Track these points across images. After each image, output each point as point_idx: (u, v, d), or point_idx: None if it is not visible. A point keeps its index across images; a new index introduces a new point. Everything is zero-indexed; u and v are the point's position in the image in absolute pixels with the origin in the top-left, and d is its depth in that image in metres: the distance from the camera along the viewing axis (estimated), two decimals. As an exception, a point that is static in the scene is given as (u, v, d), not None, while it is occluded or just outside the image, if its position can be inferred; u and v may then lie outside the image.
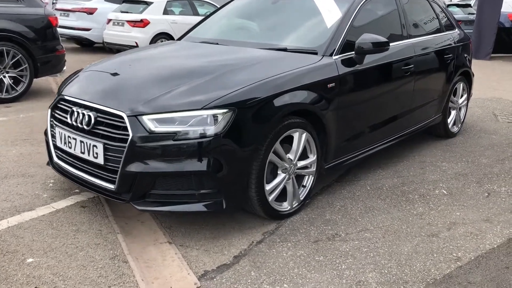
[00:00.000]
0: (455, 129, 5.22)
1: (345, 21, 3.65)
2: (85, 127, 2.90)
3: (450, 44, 4.90)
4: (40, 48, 6.33)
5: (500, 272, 2.65)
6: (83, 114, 2.93)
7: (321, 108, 3.24)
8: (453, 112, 5.16)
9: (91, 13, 11.73)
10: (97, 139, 2.84)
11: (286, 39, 3.74)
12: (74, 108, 3.02)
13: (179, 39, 4.41)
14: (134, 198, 2.79)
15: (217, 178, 2.75)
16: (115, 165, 2.77)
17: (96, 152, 2.84)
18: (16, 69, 6.15)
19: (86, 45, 12.59)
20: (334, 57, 3.43)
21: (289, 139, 3.10)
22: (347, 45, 3.54)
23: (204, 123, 2.72)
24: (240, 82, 2.95)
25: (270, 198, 3.03)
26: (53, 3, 13.45)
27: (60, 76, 6.73)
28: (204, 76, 3.06)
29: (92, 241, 2.83)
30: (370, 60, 3.65)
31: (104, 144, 2.80)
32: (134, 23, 10.77)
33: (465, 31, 5.56)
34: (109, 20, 11.18)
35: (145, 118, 2.73)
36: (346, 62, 3.48)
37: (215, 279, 2.50)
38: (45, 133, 3.41)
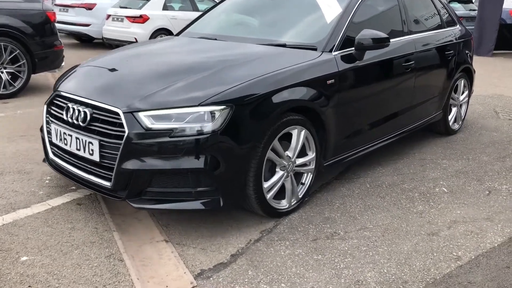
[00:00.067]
0: (455, 126, 5.18)
1: (345, 16, 3.60)
2: (80, 123, 2.86)
3: (451, 41, 4.85)
4: (38, 43, 6.29)
5: (501, 271, 2.61)
6: (79, 111, 2.89)
7: (320, 104, 3.20)
8: (454, 109, 5.12)
9: (90, 9, 11.67)
10: (92, 136, 2.80)
11: (285, 35, 3.69)
12: (70, 104, 2.98)
13: (177, 34, 4.36)
14: (130, 196, 2.75)
15: (214, 175, 2.72)
16: (111, 162, 2.74)
17: (92, 149, 2.80)
18: (14, 65, 6.11)
19: (86, 41, 12.54)
20: (333, 53, 3.39)
21: (288, 136, 3.07)
22: (347, 41, 3.49)
23: (201, 119, 2.68)
24: (238, 78, 2.91)
25: (268, 196, 2.99)
26: (52, -2, 13.41)
27: (59, 72, 6.68)
28: (202, 72, 3.02)
29: (88, 239, 2.79)
30: (370, 56, 3.61)
31: (100, 141, 2.76)
32: (134, 19, 10.72)
33: (466, 27, 5.51)
34: (108, 16, 11.13)
35: (141, 115, 2.69)
36: (346, 58, 3.44)
37: (211, 278, 2.47)
38: (41, 129, 3.37)
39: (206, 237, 2.86)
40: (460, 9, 14.73)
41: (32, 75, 6.39)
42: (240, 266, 2.58)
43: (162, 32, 10.81)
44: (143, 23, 10.69)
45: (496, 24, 11.74)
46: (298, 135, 3.09)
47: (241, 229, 2.97)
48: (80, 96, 2.98)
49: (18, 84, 6.19)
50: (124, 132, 2.67)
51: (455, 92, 5.06)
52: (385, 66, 3.87)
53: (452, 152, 4.59)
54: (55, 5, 12.07)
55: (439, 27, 4.85)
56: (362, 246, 2.82)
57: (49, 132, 3.20)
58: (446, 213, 3.29)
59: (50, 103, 3.23)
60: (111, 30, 11.03)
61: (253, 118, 2.82)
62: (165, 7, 11.14)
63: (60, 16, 11.41)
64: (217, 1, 4.70)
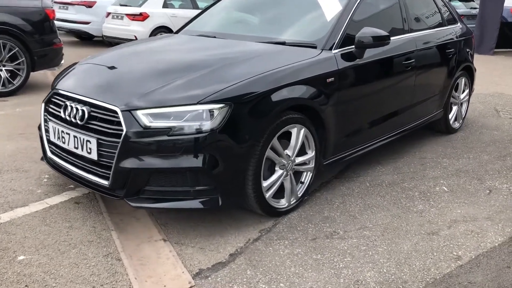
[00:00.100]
0: (456, 124, 5.16)
1: (345, 14, 3.58)
2: (78, 121, 2.84)
3: (452, 39, 4.83)
4: (37, 41, 6.27)
5: (502, 271, 2.59)
6: (77, 109, 2.87)
7: (320, 103, 3.17)
8: (454, 108, 5.09)
9: (90, 6, 11.64)
10: (90, 134, 2.78)
11: (285, 33, 3.67)
12: (68, 102, 2.96)
13: (177, 32, 4.34)
14: (128, 195, 2.73)
15: (213, 174, 2.70)
16: (109, 160, 2.72)
17: (90, 148, 2.78)
18: (13, 63, 6.09)
19: (86, 39, 12.51)
20: (333, 51, 3.37)
21: (287, 135, 3.04)
22: (347, 39, 3.47)
23: (200, 118, 2.66)
24: (237, 76, 2.89)
25: (267, 195, 2.97)
26: (52, -5, 13.36)
27: (58, 70, 6.65)
28: (201, 70, 3.00)
29: (86, 238, 2.78)
30: (371, 54, 3.58)
31: (98, 139, 2.74)
32: (133, 17, 10.69)
33: (467, 25, 5.48)
34: (108, 14, 11.10)
35: (139, 113, 2.67)
36: (346, 56, 3.42)
37: (209, 278, 2.45)
38: (39, 127, 3.35)
39: (205, 236, 2.85)
40: (461, 7, 14.69)
41: (31, 73, 6.37)
42: (239, 266, 2.56)
43: (162, 30, 10.78)
44: (143, 21, 10.67)
45: (497, 22, 11.69)
46: (298, 134, 3.07)
47: (240, 228, 2.95)
48: (78, 94, 2.96)
49: (17, 82, 6.17)
50: (122, 130, 2.65)
51: (456, 91, 5.03)
52: (386, 64, 3.84)
53: (452, 151, 4.56)
54: (55, 2, 12.01)
55: (440, 25, 4.82)
56: (361, 245, 2.81)
57: (47, 131, 3.18)
58: (446, 213, 3.27)
59: (48, 101, 3.21)
60: (111, 28, 11.01)
61: (252, 117, 2.80)
62: (165, 5, 11.11)
63: (60, 13, 11.39)
64: (217, -1, 4.67)
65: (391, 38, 3.62)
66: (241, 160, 2.77)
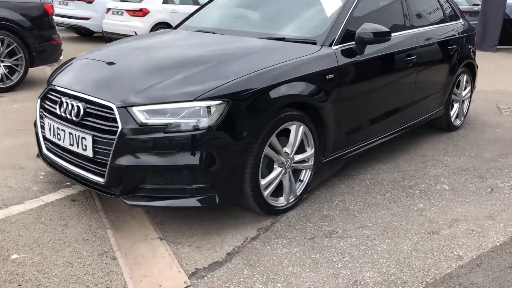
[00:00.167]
0: (457, 122, 5.11)
1: (346, 10, 3.53)
2: (74, 118, 2.80)
3: (454, 35, 4.77)
4: (36, 37, 6.21)
5: (503, 272, 2.55)
6: (72, 105, 2.83)
7: (319, 100, 3.13)
8: (456, 105, 5.04)
9: (90, 2, 11.57)
10: (86, 131, 2.74)
11: (284, 29, 3.62)
12: (63, 99, 2.92)
13: (175, 28, 4.29)
14: (124, 193, 2.69)
15: (210, 172, 2.65)
16: (105, 158, 2.68)
17: (85, 145, 2.74)
18: (11, 58, 6.04)
19: (86, 35, 12.46)
20: (333, 47, 3.32)
21: (286, 132, 3.00)
22: (347, 35, 3.42)
23: (197, 115, 2.62)
24: (235, 73, 2.84)
25: (266, 193, 2.93)
26: (52, -9, 13.29)
27: (57, 65, 6.61)
28: (198, 66, 2.95)
29: (81, 236, 2.74)
30: (371, 50, 3.53)
31: (93, 136, 2.70)
32: (133, 12, 10.64)
33: (469, 22, 5.42)
34: (108, 9, 11.04)
35: (135, 110, 2.62)
36: (346, 53, 3.37)
37: (205, 278, 2.41)
38: (35, 124, 3.31)
39: (202, 235, 2.81)
40: (463, 4, 14.57)
41: (30, 69, 6.32)
42: (236, 265, 2.52)
43: (162, 26, 10.72)
44: (143, 16, 10.61)
45: (500, 19, 11.62)
46: (297, 131, 3.02)
47: (238, 226, 2.91)
48: (73, 90, 2.92)
49: (15, 78, 6.12)
50: (117, 127, 2.60)
51: (457, 88, 4.98)
52: (386, 61, 3.79)
53: (453, 148, 4.52)
54: (55, -2, 11.99)
55: (441, 21, 4.76)
56: (361, 245, 2.76)
57: (42, 127, 3.14)
58: (447, 211, 3.23)
59: (43, 97, 3.18)
60: (111, 24, 10.95)
61: (250, 114, 2.75)
62: (165, 1, 11.05)
63: (59, 9, 11.34)
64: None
65: (392, 34, 3.57)
66: (239, 158, 2.73)
